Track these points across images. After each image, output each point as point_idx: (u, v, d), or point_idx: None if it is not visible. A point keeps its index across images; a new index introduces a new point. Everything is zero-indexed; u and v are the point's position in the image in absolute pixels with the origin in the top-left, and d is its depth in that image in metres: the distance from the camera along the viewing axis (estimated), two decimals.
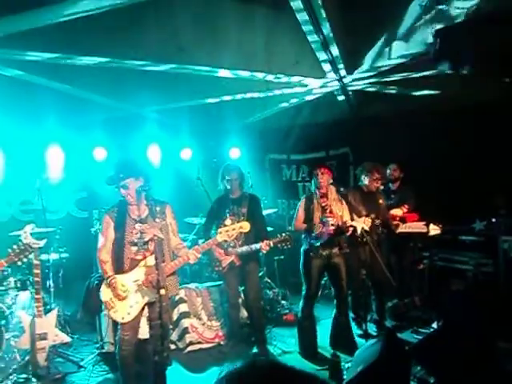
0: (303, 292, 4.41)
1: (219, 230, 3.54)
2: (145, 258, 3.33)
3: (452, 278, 5.35)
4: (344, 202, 4.36)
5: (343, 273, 4.32)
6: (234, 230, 3.48)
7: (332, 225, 4.13)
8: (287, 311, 5.61)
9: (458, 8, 3.30)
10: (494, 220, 5.19)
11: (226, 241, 3.65)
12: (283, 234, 4.15)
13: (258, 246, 4.17)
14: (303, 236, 4.39)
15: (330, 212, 4.23)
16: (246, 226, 3.56)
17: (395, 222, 4.97)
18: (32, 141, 5.96)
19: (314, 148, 7.63)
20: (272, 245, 4.12)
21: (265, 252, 4.22)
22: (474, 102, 5.64)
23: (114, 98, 5.58)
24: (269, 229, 4.98)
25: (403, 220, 5.08)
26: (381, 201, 4.81)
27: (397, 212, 5.12)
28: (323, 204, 4.30)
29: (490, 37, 3.39)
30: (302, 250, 4.40)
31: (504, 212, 5.20)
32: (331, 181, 4.31)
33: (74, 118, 5.87)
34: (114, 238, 3.38)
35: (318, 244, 4.23)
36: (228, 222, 3.73)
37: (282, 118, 7.01)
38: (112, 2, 3.29)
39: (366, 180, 4.83)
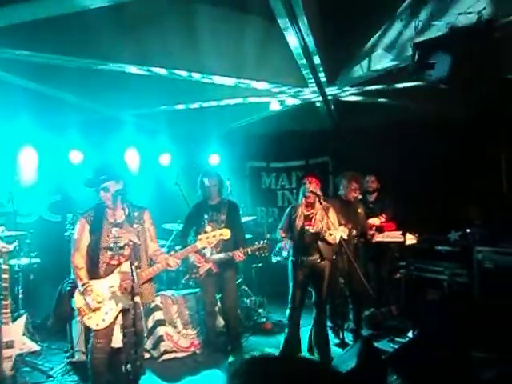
0: (289, 300, 4.37)
1: (199, 236, 3.51)
2: (120, 263, 3.25)
3: (428, 288, 5.41)
4: (331, 210, 4.36)
5: (325, 279, 4.30)
6: (214, 236, 3.45)
7: (312, 234, 4.20)
8: (264, 319, 5.57)
9: (438, 22, 3.37)
10: (468, 230, 5.29)
11: (204, 247, 3.61)
12: (261, 242, 4.16)
13: (230, 254, 4.15)
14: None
15: (310, 220, 4.24)
16: (226, 233, 3.53)
17: (371, 232, 5.00)
18: (4, 141, 5.76)
19: (294, 156, 7.67)
20: (250, 252, 4.13)
21: (238, 261, 4.18)
22: (450, 115, 5.78)
23: (92, 99, 5.48)
24: (247, 236, 4.93)
25: (380, 229, 5.13)
26: (359, 210, 4.86)
27: (374, 221, 5.17)
28: (307, 213, 4.31)
29: (468, 50, 3.47)
30: (289, 259, 4.39)
31: (479, 222, 5.31)
32: (319, 190, 4.31)
33: (50, 119, 5.72)
34: (89, 242, 3.29)
35: (291, 254, 4.30)
36: (208, 228, 3.71)
37: (263, 125, 7.02)
38: (92, 2, 3.24)
39: (344, 189, 4.85)
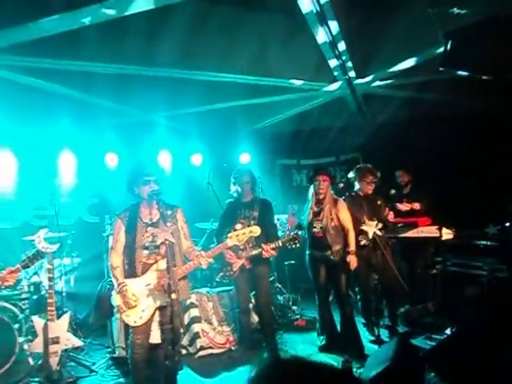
0: (316, 296, 4.53)
1: (229, 234, 3.54)
2: (156, 261, 3.33)
3: (466, 284, 5.26)
4: (343, 205, 4.43)
5: (341, 274, 4.34)
6: (244, 234, 3.47)
7: (321, 228, 4.34)
8: (298, 316, 5.57)
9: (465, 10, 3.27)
10: (507, 224, 5.11)
11: (236, 245, 3.65)
12: (291, 234, 4.19)
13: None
14: None
15: (318, 215, 4.36)
16: (256, 231, 3.56)
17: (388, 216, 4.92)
18: (45, 146, 6.03)
19: (325, 153, 7.61)
20: (281, 244, 4.13)
21: (266, 256, 4.20)
22: (487, 107, 5.59)
23: (125, 103, 5.65)
24: (280, 234, 4.95)
25: (415, 224, 5.03)
26: (379, 202, 4.76)
27: (402, 207, 5.08)
28: (317, 209, 4.43)
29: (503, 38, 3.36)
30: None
31: None
32: (330, 188, 4.44)
33: (86, 123, 5.95)
34: (124, 241, 3.39)
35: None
36: (238, 226, 3.73)
37: (292, 123, 7.02)
38: (119, 13, 3.35)
39: (360, 184, 4.78)
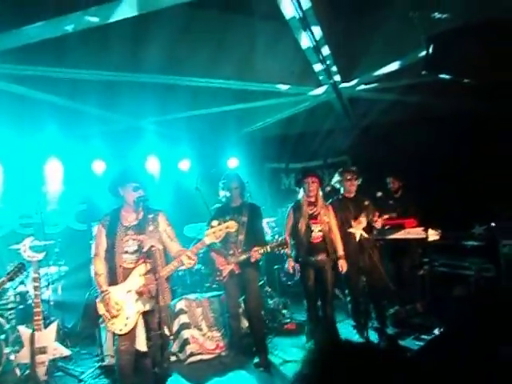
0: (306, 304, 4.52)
1: (206, 232, 3.49)
2: (136, 266, 3.30)
3: (453, 284, 5.32)
4: (331, 209, 4.45)
5: (330, 277, 4.37)
6: (220, 230, 3.44)
7: (319, 231, 4.28)
8: (288, 320, 5.56)
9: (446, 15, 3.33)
10: (493, 224, 5.19)
11: (213, 242, 3.62)
12: (279, 239, 4.19)
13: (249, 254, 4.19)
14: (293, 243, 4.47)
15: (316, 219, 4.29)
16: (232, 226, 3.52)
17: (374, 219, 4.85)
18: (31, 154, 5.98)
19: (313, 156, 7.66)
20: (269, 249, 4.14)
21: (253, 260, 4.21)
22: (471, 108, 5.67)
23: (112, 110, 5.63)
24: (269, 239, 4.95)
25: (402, 226, 5.07)
26: (366, 202, 4.75)
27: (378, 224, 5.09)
28: (311, 212, 4.38)
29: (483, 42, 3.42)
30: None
31: (504, 216, 5.20)
32: (320, 189, 4.42)
33: (73, 130, 5.91)
34: (106, 246, 3.37)
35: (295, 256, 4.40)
36: (215, 223, 3.63)
37: (280, 127, 7.05)
38: (102, 20, 3.34)
39: (343, 185, 4.81)
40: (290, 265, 4.40)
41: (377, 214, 4.81)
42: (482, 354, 3.26)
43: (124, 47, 4.13)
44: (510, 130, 5.41)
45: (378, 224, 4.77)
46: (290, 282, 6.24)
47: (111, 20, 3.36)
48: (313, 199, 4.35)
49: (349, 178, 4.74)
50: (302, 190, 4.46)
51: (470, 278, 5.20)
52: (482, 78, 3.81)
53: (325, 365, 1.03)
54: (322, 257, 4.31)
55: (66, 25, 3.34)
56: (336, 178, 4.93)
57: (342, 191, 4.89)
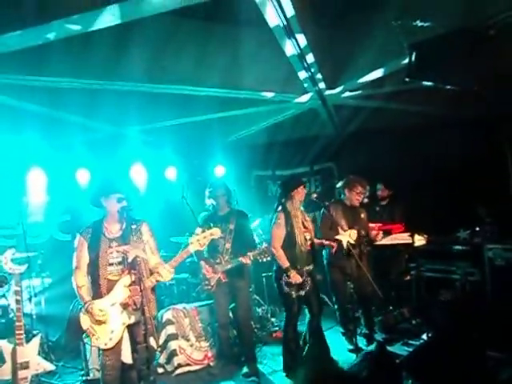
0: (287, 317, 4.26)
1: (190, 239, 3.43)
2: (120, 278, 3.23)
3: (440, 288, 5.36)
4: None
5: (317, 288, 4.29)
6: (204, 237, 3.38)
7: (310, 239, 4.18)
8: (277, 328, 5.54)
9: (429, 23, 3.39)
10: (477, 229, 5.25)
11: (198, 250, 3.57)
12: (262, 247, 4.15)
13: (238, 261, 4.15)
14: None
15: (305, 227, 4.21)
16: (216, 232, 3.47)
17: (375, 232, 4.84)
18: (13, 164, 5.86)
19: (299, 163, 7.68)
20: (252, 257, 4.10)
21: (246, 264, 4.16)
22: (457, 115, 5.76)
23: (96, 118, 5.57)
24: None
25: (388, 232, 5.10)
26: (362, 215, 4.81)
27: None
28: (301, 220, 4.21)
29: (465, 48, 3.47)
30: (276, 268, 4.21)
31: (488, 221, 5.27)
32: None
33: (56, 140, 5.83)
34: (88, 259, 3.29)
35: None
36: (198, 230, 3.58)
37: (266, 134, 7.06)
38: (84, 28, 3.31)
39: (348, 194, 4.80)
40: (296, 277, 4.02)
41: (375, 226, 4.83)
42: (469, 359, 3.28)
43: (108, 55, 4.10)
44: (493, 136, 5.52)
45: (379, 237, 4.77)
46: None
47: (94, 28, 3.32)
48: (301, 207, 4.28)
49: (359, 192, 4.71)
50: (293, 198, 4.20)
51: (456, 283, 5.24)
52: (464, 85, 3.87)
53: None
54: (311, 266, 4.21)
55: (47, 33, 3.29)
56: (343, 183, 4.88)
57: (342, 197, 4.89)
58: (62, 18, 3.09)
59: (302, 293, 4.10)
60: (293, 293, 4.06)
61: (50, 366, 3.99)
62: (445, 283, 5.32)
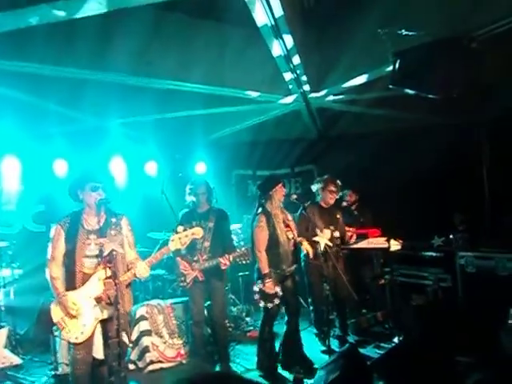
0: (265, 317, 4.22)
1: (171, 237, 3.39)
2: (95, 271, 3.17)
3: (413, 293, 5.46)
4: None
5: (297, 288, 4.32)
6: (186, 236, 3.35)
7: (293, 238, 4.17)
8: (251, 328, 5.55)
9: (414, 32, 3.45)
10: (451, 236, 5.38)
11: (178, 249, 3.54)
12: (242, 249, 4.13)
13: (217, 261, 4.12)
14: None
15: (288, 226, 4.21)
16: (198, 232, 3.44)
17: (349, 234, 5.00)
18: None
19: (280, 164, 7.71)
20: (231, 259, 4.09)
21: (224, 267, 4.14)
22: (434, 122, 5.89)
23: (77, 109, 5.45)
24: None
25: (365, 236, 5.17)
26: (338, 216, 4.88)
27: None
28: (283, 219, 4.21)
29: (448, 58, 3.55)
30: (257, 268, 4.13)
31: (462, 228, 5.40)
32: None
33: (33, 128, 5.67)
34: (64, 250, 3.21)
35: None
36: (180, 228, 3.49)
37: (249, 134, 7.06)
38: (69, 15, 3.24)
39: (322, 193, 4.86)
40: (269, 287, 3.94)
41: (350, 229, 4.91)
42: (438, 363, 3.34)
43: (92, 45, 4.02)
44: (471, 144, 5.66)
45: (352, 239, 4.85)
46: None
47: (79, 15, 3.25)
48: (281, 206, 4.28)
49: (333, 189, 4.79)
50: (273, 198, 4.18)
51: (429, 288, 5.35)
52: (445, 93, 3.95)
53: None
54: (294, 266, 4.20)
55: (30, 17, 3.21)
56: (318, 184, 4.93)
57: (318, 199, 4.92)
58: (46, 1, 3.01)
59: (280, 293, 4.06)
60: (262, 302, 4.02)
61: (16, 360, 3.92)
62: (417, 288, 5.42)
